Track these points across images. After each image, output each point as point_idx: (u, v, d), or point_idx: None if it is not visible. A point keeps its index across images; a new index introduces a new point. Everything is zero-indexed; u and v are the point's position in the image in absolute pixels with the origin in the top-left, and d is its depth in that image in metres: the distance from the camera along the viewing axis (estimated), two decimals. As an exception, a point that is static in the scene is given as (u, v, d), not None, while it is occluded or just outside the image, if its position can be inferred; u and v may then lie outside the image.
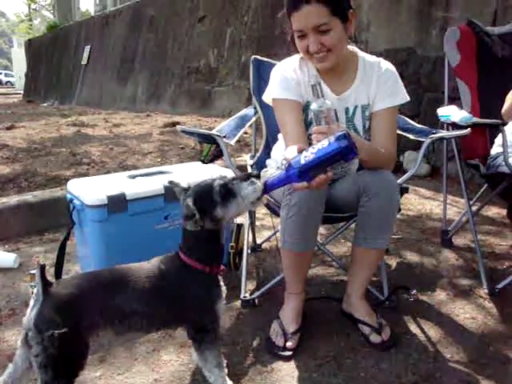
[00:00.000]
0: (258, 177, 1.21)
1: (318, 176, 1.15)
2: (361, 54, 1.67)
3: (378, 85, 1.62)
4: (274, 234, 2.31)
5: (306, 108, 1.62)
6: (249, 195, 1.19)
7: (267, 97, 1.72)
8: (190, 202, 1.21)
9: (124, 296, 1.21)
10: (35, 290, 1.14)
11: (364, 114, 1.64)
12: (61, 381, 1.14)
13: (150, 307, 1.23)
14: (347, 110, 1.64)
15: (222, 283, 1.32)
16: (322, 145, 1.12)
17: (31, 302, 1.15)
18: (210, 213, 1.21)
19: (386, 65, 1.66)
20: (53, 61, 14.75)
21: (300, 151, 1.18)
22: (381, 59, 1.67)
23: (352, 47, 1.66)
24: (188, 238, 1.27)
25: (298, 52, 1.64)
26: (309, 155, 1.13)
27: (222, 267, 1.32)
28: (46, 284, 1.14)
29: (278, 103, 1.63)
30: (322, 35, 1.48)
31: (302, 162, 1.14)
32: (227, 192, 1.20)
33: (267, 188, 1.21)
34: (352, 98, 1.63)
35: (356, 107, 1.64)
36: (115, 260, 1.41)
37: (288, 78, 1.62)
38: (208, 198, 1.21)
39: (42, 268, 1.13)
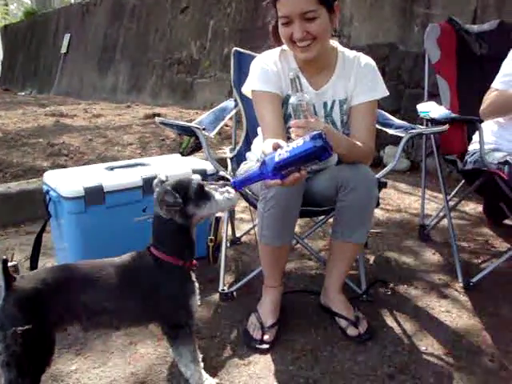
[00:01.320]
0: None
1: (291, 174, 1.16)
2: (341, 48, 1.67)
3: (357, 79, 1.63)
4: (253, 227, 2.31)
5: (285, 101, 1.61)
6: (222, 203, 1.23)
7: (246, 89, 1.71)
8: (170, 188, 1.20)
9: (92, 292, 1.18)
10: None
11: (342, 108, 1.65)
12: (25, 379, 1.10)
13: (120, 304, 1.20)
14: (325, 104, 1.64)
15: (194, 278, 1.30)
16: (297, 143, 1.13)
17: None
18: (182, 207, 1.20)
19: (366, 59, 1.66)
20: (31, 48, 14.40)
21: (275, 148, 1.18)
22: (361, 54, 1.68)
23: (333, 41, 1.66)
24: (158, 232, 1.27)
25: (278, 45, 1.64)
26: (283, 153, 1.14)
27: (195, 262, 1.30)
28: (8, 279, 1.09)
29: (257, 95, 1.62)
30: (307, 23, 1.46)
31: (276, 159, 1.14)
32: (203, 193, 1.22)
33: (241, 184, 1.22)
34: (330, 92, 1.63)
35: (334, 102, 1.64)
36: (93, 253, 1.39)
37: (268, 70, 1.61)
38: (183, 192, 1.20)
39: (5, 262, 1.08)
